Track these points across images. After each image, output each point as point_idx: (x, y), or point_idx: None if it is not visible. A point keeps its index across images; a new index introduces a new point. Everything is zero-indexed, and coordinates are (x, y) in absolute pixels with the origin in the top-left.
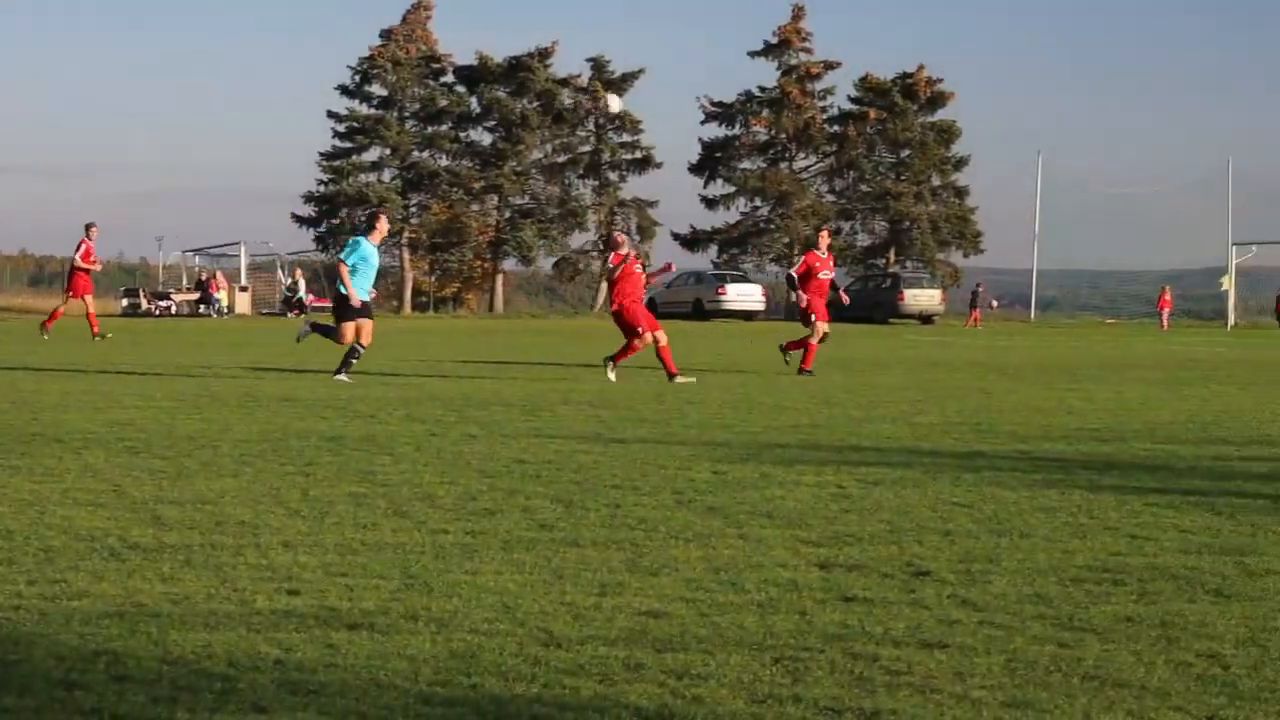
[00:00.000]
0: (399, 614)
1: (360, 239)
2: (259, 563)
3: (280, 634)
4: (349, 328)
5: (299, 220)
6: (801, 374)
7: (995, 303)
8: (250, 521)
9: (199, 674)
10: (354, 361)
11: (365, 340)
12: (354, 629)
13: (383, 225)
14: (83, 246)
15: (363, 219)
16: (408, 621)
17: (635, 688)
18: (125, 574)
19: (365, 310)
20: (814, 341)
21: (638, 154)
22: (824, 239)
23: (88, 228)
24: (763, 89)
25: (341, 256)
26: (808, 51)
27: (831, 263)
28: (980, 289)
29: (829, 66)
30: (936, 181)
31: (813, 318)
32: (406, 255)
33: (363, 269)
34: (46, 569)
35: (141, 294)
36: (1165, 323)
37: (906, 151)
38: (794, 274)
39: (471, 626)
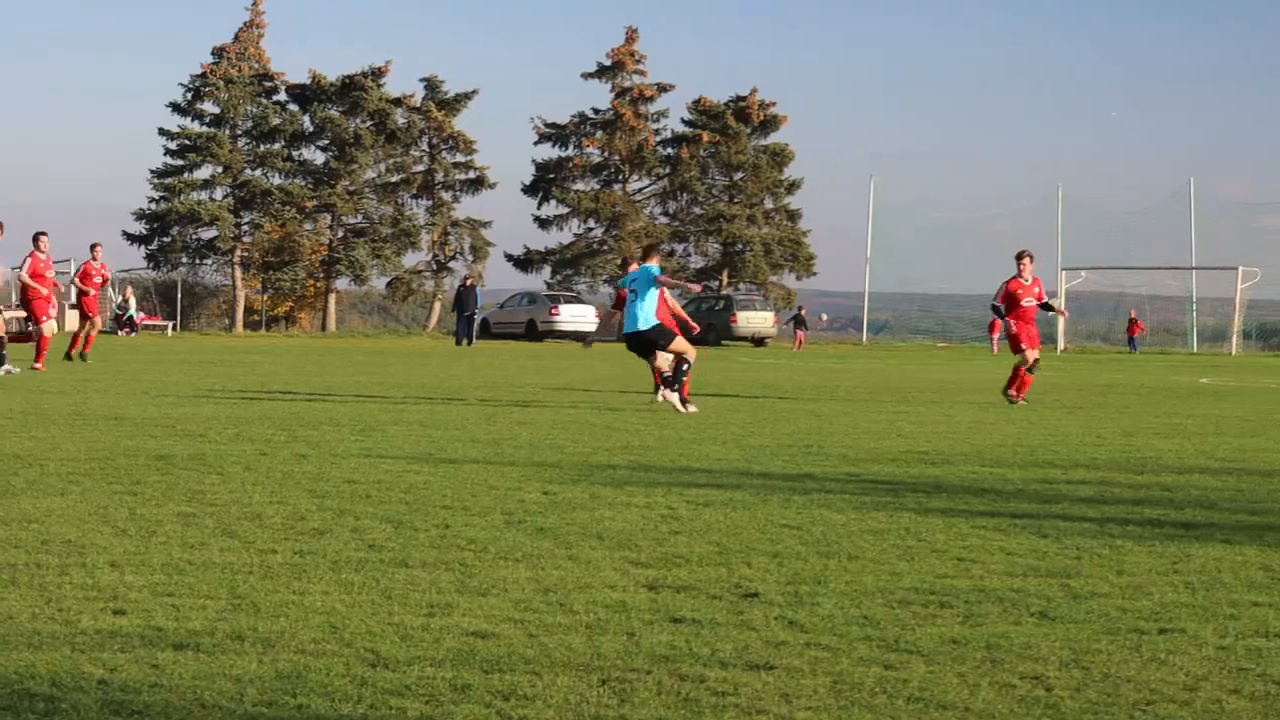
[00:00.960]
0: (225, 634)
1: (652, 265)
2: (85, 582)
3: (105, 654)
4: (689, 347)
5: (130, 238)
6: (1012, 402)
7: (824, 315)
8: (76, 540)
9: (21, 694)
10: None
11: (693, 356)
12: (180, 649)
13: (658, 256)
14: (81, 267)
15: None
16: (234, 641)
17: (462, 708)
18: None
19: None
20: (1025, 371)
21: (471, 174)
22: (1026, 266)
23: (92, 248)
24: (596, 111)
25: (662, 278)
26: (641, 74)
27: (1036, 288)
28: (803, 311)
29: (662, 89)
30: (770, 204)
31: (1023, 346)
32: (238, 273)
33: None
34: None
35: None
36: (996, 347)
37: (740, 174)
38: (997, 304)
39: (298, 647)
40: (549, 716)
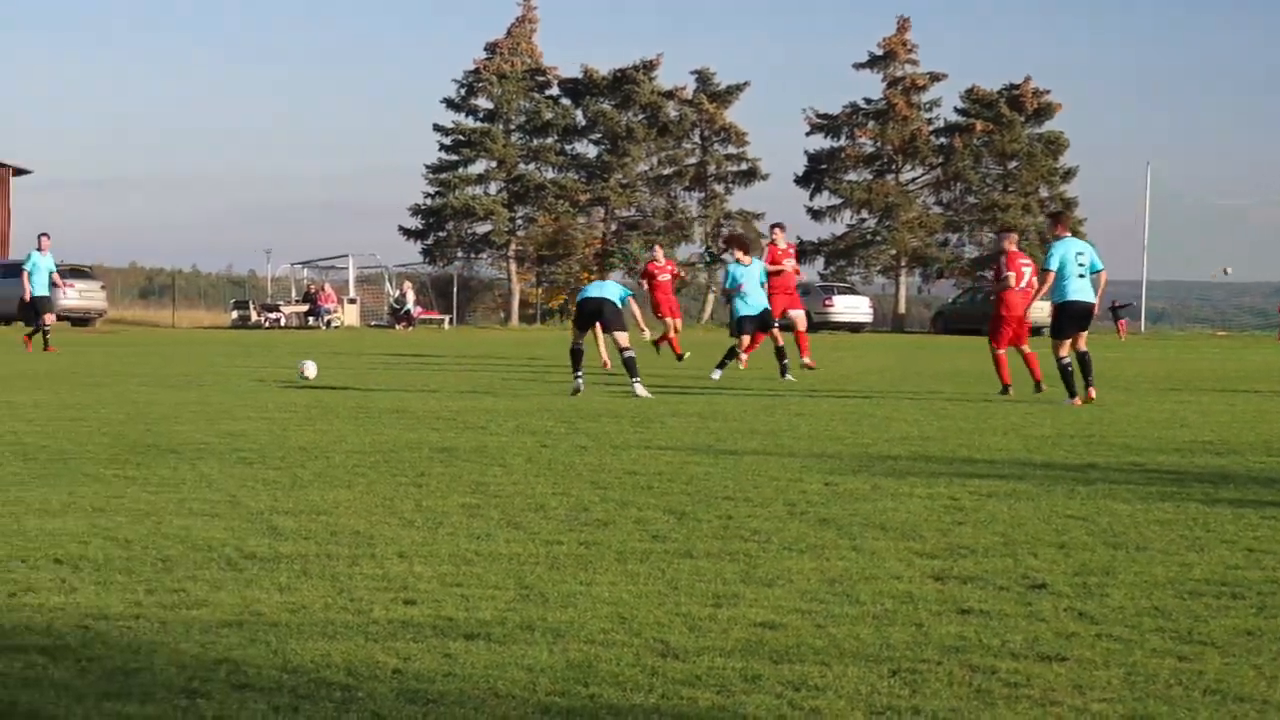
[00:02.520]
0: (515, 624)
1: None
2: (375, 573)
3: (398, 643)
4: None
5: (406, 233)
6: None
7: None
8: (365, 532)
9: (318, 683)
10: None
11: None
12: (471, 639)
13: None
14: (645, 267)
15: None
16: (524, 632)
17: (753, 699)
18: (243, 583)
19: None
20: None
21: (743, 166)
22: None
23: (652, 247)
24: (868, 101)
25: None
26: (913, 63)
27: None
28: (1117, 304)
29: (934, 78)
30: (1044, 193)
31: None
32: (513, 267)
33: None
34: (165, 578)
35: (251, 306)
36: None
37: (1014, 163)
38: None
39: (588, 637)
40: (840, 707)
